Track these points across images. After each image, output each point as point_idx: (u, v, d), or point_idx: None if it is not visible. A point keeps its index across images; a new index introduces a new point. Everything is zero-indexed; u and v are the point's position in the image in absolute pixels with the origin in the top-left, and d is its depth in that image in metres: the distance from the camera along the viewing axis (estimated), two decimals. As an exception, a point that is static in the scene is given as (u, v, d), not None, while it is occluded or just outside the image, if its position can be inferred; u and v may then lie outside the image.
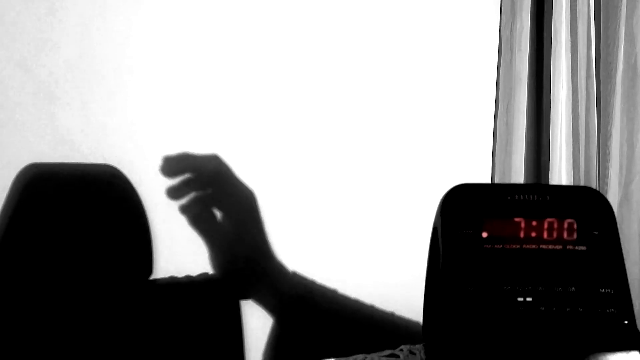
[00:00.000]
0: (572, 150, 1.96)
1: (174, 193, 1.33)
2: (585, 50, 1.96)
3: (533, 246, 0.66)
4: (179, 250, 1.67)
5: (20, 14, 1.50)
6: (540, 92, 2.05)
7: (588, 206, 0.68)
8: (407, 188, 1.98)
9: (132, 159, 1.59)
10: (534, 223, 0.67)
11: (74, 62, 1.53)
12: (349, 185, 1.91)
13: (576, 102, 1.97)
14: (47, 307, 1.41)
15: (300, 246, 1.81)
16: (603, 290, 0.64)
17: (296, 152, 1.83)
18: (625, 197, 1.87)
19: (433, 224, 0.71)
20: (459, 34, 2.10)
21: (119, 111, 1.58)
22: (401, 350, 1.13)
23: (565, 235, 0.67)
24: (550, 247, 0.66)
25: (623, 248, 1.80)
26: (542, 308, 0.63)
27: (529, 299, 0.64)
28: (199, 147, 1.66)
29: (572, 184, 1.93)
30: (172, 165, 1.35)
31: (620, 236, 1.85)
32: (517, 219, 0.67)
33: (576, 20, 1.97)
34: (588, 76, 1.96)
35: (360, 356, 1.09)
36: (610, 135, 1.90)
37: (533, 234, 0.67)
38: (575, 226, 0.67)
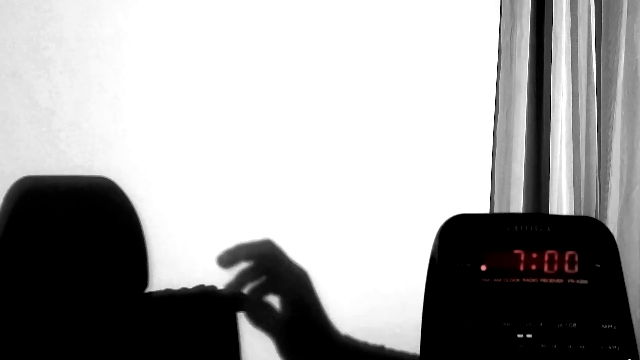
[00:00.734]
0: (572, 157, 1.94)
1: (232, 287, 1.33)
2: (585, 57, 1.94)
3: (533, 280, 0.64)
4: (175, 262, 1.65)
5: (16, 26, 1.48)
6: (540, 99, 2.03)
7: (589, 237, 0.67)
8: (406, 199, 1.98)
9: (127, 171, 1.58)
10: (534, 255, 0.65)
11: (69, 73, 1.51)
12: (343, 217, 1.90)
13: (576, 109, 1.95)
14: (41, 320, 1.39)
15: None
16: (605, 326, 0.62)
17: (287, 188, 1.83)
18: (625, 206, 1.85)
19: (430, 254, 0.69)
20: (458, 41, 2.08)
21: (113, 123, 1.57)
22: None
23: (566, 268, 0.65)
24: (550, 280, 0.64)
25: (623, 257, 1.80)
26: (542, 345, 0.61)
27: (529, 336, 0.62)
28: (194, 158, 1.64)
29: (572, 192, 1.92)
30: (227, 256, 1.35)
31: (621, 244, 1.85)
32: (516, 251, 0.65)
33: (576, 26, 1.95)
34: (588, 83, 1.94)
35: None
36: (611, 144, 1.89)
37: (533, 267, 0.65)
38: (576, 258, 0.65)
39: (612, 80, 1.90)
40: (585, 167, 1.94)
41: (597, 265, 0.64)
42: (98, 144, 1.54)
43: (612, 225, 1.87)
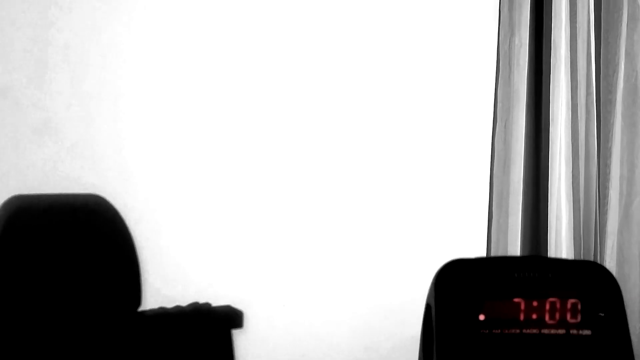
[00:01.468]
0: (571, 169, 1.91)
1: None
2: (585, 68, 1.91)
3: (534, 330, 0.62)
4: (168, 280, 1.63)
5: (11, 44, 1.45)
6: (539, 109, 2.00)
7: (592, 284, 0.64)
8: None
9: (120, 188, 1.55)
10: (535, 304, 0.63)
11: (61, 91, 1.48)
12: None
13: (576, 120, 1.92)
14: (34, 338, 1.37)
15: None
16: (610, 381, 0.59)
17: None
18: (625, 218, 1.83)
19: (426, 300, 0.67)
20: (456, 50, 2.06)
21: (108, 139, 1.54)
22: None
23: (568, 317, 0.63)
24: (552, 331, 0.62)
25: (622, 271, 1.78)
26: (544, 403, 0.59)
27: (530, 392, 0.59)
28: (188, 176, 1.62)
29: (571, 204, 1.89)
30: None
31: (620, 258, 1.82)
32: (516, 300, 0.63)
33: (576, 36, 1.92)
34: (588, 94, 1.91)
35: None
36: (611, 156, 1.86)
37: (534, 316, 0.62)
38: (579, 307, 0.63)
39: (611, 91, 1.87)
40: (585, 179, 1.91)
41: (601, 314, 0.62)
42: (90, 161, 1.52)
43: (611, 238, 1.85)
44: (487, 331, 0.61)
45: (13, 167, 1.46)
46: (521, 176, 1.99)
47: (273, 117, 1.77)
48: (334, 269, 1.86)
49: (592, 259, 1.89)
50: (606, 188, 1.88)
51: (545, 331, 0.62)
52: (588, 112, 1.92)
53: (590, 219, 1.89)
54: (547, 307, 0.62)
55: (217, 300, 1.64)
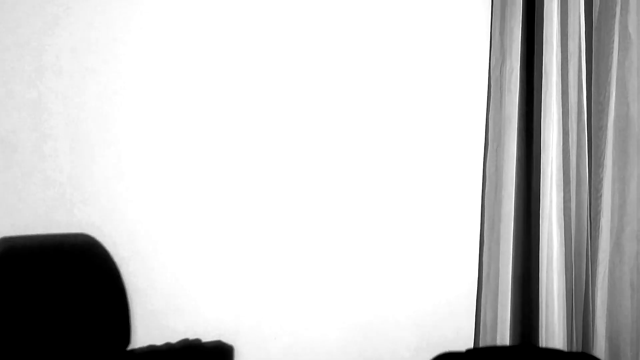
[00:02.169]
0: (562, 195, 1.91)
1: None
2: (576, 94, 1.91)
3: None
4: (158, 316, 1.62)
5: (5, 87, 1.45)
6: (531, 134, 2.00)
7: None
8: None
9: (109, 226, 1.54)
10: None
11: (51, 134, 1.47)
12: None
13: (567, 147, 1.92)
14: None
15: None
16: None
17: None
18: (616, 247, 1.83)
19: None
20: (447, 74, 2.06)
21: (94, 178, 1.53)
22: None
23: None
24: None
25: (614, 299, 1.78)
26: None
27: None
28: (175, 213, 1.61)
29: (563, 231, 1.88)
30: None
31: (612, 286, 1.82)
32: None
33: (567, 62, 1.91)
34: (579, 120, 1.91)
35: None
36: (602, 183, 1.85)
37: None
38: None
39: (603, 119, 1.87)
40: (576, 206, 1.91)
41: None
42: (79, 201, 1.50)
43: (603, 265, 1.85)
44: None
45: (2, 209, 1.45)
46: (512, 201, 1.99)
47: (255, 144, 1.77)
48: (325, 301, 1.86)
49: (583, 287, 1.89)
50: (597, 215, 1.87)
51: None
52: (579, 138, 1.91)
53: (581, 247, 1.89)
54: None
55: (207, 335, 1.63)
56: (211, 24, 1.70)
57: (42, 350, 1.43)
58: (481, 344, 1.99)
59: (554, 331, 1.87)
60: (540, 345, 1.88)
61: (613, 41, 1.85)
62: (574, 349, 1.87)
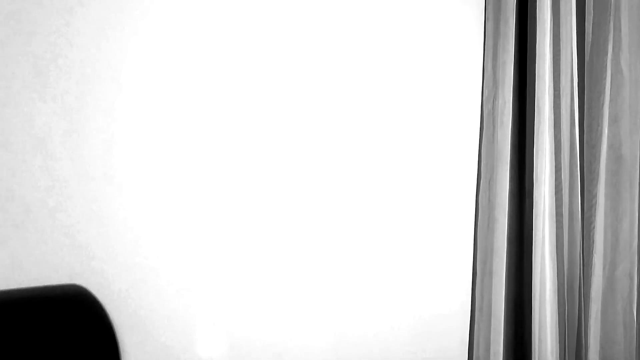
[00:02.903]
0: (555, 231, 1.91)
1: None
2: (568, 130, 1.90)
3: None
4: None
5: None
6: (523, 170, 1.99)
7: None
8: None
9: (101, 276, 1.52)
10: None
11: (35, 183, 1.45)
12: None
13: (559, 182, 1.91)
14: None
15: None
16: None
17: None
18: (609, 285, 1.82)
19: None
20: (440, 107, 2.05)
21: (84, 228, 1.51)
22: None
23: None
24: None
25: (607, 336, 1.78)
26: None
27: None
28: (166, 257, 1.60)
29: (555, 268, 1.88)
30: None
31: (605, 324, 1.82)
32: None
33: (559, 98, 1.91)
34: (571, 156, 1.90)
35: None
36: (595, 221, 1.85)
37: None
38: None
39: (595, 156, 1.86)
40: (569, 243, 1.90)
41: None
42: (68, 251, 1.48)
43: (596, 303, 1.85)
44: None
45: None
46: (505, 235, 1.98)
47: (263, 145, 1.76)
48: (317, 312, 1.85)
49: (576, 323, 1.89)
50: (590, 252, 1.87)
51: None
52: (572, 174, 1.90)
53: (574, 283, 1.89)
54: None
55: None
56: (203, 22, 1.70)
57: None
58: (474, 379, 1.99)
59: (547, 368, 1.87)
60: (533, 381, 1.89)
61: (605, 77, 1.84)
62: (567, 386, 1.88)
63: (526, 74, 1.97)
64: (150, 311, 1.62)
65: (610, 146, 1.83)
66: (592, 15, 1.87)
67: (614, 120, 1.81)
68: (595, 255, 1.85)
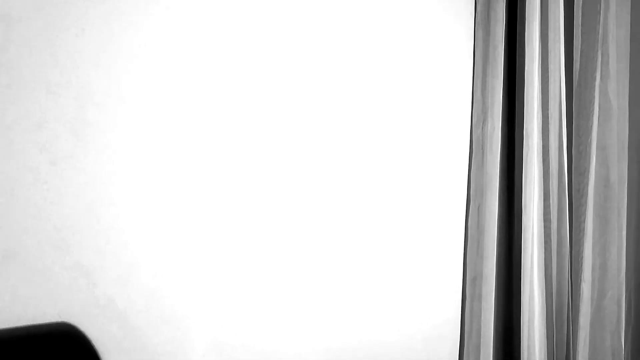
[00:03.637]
0: (544, 257, 1.91)
1: None
2: (557, 158, 1.91)
3: None
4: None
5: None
6: (512, 195, 2.00)
7: None
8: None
9: (91, 315, 1.51)
10: None
11: (22, 220, 1.44)
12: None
13: (548, 209, 1.92)
14: None
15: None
16: None
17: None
18: (597, 312, 1.83)
19: None
20: (432, 132, 2.05)
21: (74, 262, 1.50)
22: None
23: None
24: None
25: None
26: None
27: None
28: (156, 292, 1.59)
29: (544, 295, 1.89)
30: None
31: (593, 352, 1.83)
32: None
33: (548, 124, 1.92)
34: (559, 183, 1.91)
35: None
36: (583, 248, 1.85)
37: None
38: None
39: (583, 182, 1.86)
40: (557, 270, 1.91)
41: None
42: (57, 288, 1.47)
43: (584, 330, 1.85)
44: None
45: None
46: (494, 260, 1.99)
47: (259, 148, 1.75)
48: (309, 324, 1.85)
49: (564, 350, 1.90)
50: (578, 279, 1.87)
51: None
52: (560, 200, 1.91)
53: (562, 310, 1.89)
54: None
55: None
56: (201, 23, 1.69)
57: None
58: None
59: (535, 396, 1.88)
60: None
61: (593, 104, 1.85)
62: (556, 414, 1.88)
63: (515, 99, 1.97)
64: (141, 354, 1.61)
65: (598, 173, 1.83)
66: (580, 42, 1.88)
67: (602, 148, 1.81)
68: (583, 282, 1.85)
